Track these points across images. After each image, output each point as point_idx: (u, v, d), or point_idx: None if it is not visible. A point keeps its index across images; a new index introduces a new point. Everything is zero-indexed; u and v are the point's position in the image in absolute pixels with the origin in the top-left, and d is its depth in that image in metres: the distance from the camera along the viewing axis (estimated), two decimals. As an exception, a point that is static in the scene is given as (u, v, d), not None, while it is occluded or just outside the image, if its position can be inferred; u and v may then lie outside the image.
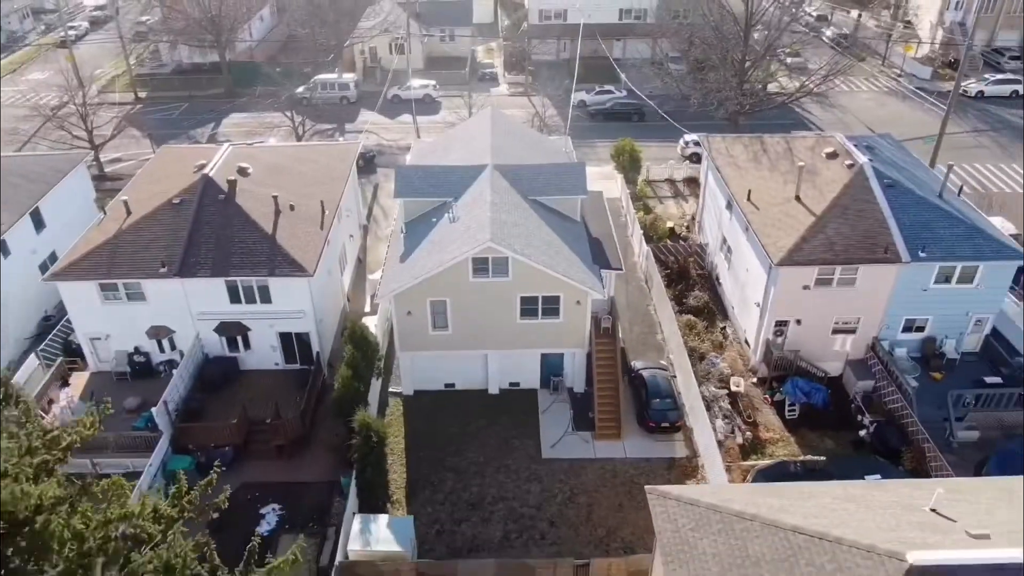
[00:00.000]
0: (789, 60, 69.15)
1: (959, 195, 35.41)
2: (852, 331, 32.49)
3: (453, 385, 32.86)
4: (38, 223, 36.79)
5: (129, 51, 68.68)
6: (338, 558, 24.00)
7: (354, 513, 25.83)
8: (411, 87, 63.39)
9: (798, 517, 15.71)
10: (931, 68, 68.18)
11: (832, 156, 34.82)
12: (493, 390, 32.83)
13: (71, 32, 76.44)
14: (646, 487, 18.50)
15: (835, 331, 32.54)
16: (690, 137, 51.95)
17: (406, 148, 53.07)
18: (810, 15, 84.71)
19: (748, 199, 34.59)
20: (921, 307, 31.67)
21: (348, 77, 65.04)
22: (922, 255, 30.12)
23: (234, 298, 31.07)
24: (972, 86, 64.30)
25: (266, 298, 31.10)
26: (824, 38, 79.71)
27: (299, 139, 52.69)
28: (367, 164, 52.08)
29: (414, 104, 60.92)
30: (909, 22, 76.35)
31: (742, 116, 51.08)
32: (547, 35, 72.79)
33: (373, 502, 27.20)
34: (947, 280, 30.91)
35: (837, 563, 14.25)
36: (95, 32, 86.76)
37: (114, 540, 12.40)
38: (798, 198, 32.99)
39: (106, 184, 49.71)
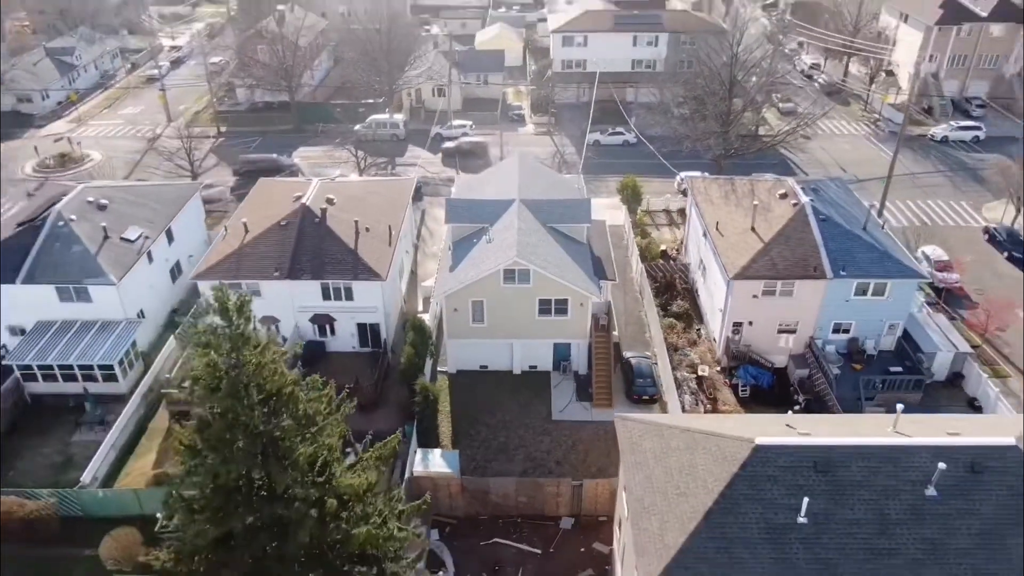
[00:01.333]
0: (781, 105, 79.53)
1: (883, 228, 44.96)
2: (793, 331, 42.26)
3: (486, 366, 43.03)
4: (170, 238, 47.88)
5: (212, 91, 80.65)
6: (406, 476, 34.24)
7: (415, 450, 36.07)
8: (452, 126, 74.43)
9: (703, 426, 25.68)
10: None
11: (783, 196, 44.72)
12: (516, 371, 42.98)
13: (157, 71, 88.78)
14: (615, 415, 28.63)
15: (780, 331, 42.33)
16: (683, 175, 62.08)
17: (448, 180, 63.78)
18: (804, 62, 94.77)
19: (716, 228, 44.64)
20: (845, 314, 41.30)
21: (398, 117, 76.03)
22: (843, 273, 39.85)
23: (325, 296, 41.85)
24: (938, 131, 73.76)
25: (349, 296, 41.82)
26: (817, 84, 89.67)
27: (361, 172, 63.56)
28: (415, 193, 62.52)
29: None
30: (891, 72, 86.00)
31: (727, 159, 61.10)
32: (569, 81, 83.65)
33: (428, 444, 37.45)
34: (864, 293, 40.54)
35: (719, 447, 24.14)
36: (174, 71, 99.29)
37: (309, 414, 22.83)
38: (753, 229, 42.97)
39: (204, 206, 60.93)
